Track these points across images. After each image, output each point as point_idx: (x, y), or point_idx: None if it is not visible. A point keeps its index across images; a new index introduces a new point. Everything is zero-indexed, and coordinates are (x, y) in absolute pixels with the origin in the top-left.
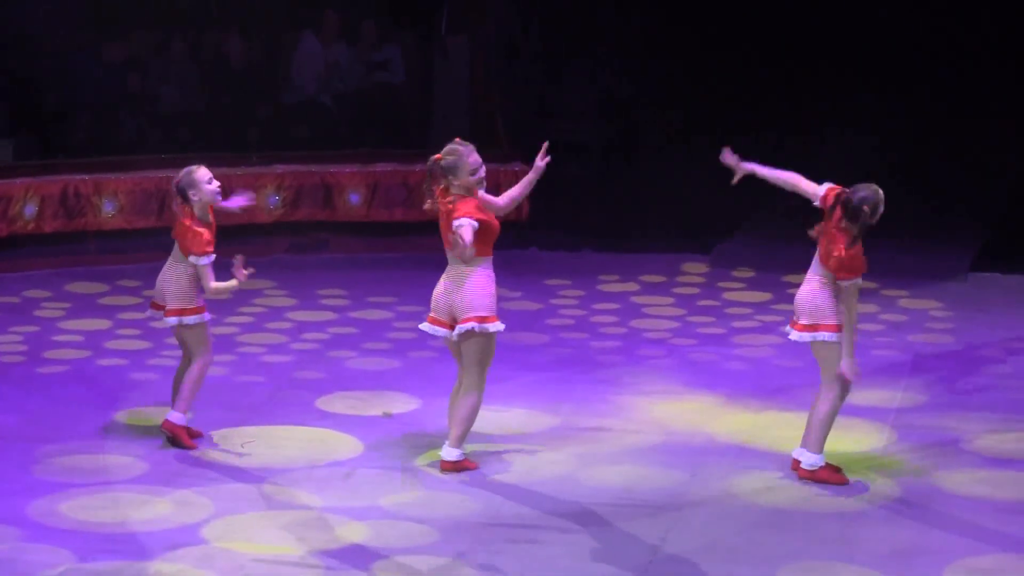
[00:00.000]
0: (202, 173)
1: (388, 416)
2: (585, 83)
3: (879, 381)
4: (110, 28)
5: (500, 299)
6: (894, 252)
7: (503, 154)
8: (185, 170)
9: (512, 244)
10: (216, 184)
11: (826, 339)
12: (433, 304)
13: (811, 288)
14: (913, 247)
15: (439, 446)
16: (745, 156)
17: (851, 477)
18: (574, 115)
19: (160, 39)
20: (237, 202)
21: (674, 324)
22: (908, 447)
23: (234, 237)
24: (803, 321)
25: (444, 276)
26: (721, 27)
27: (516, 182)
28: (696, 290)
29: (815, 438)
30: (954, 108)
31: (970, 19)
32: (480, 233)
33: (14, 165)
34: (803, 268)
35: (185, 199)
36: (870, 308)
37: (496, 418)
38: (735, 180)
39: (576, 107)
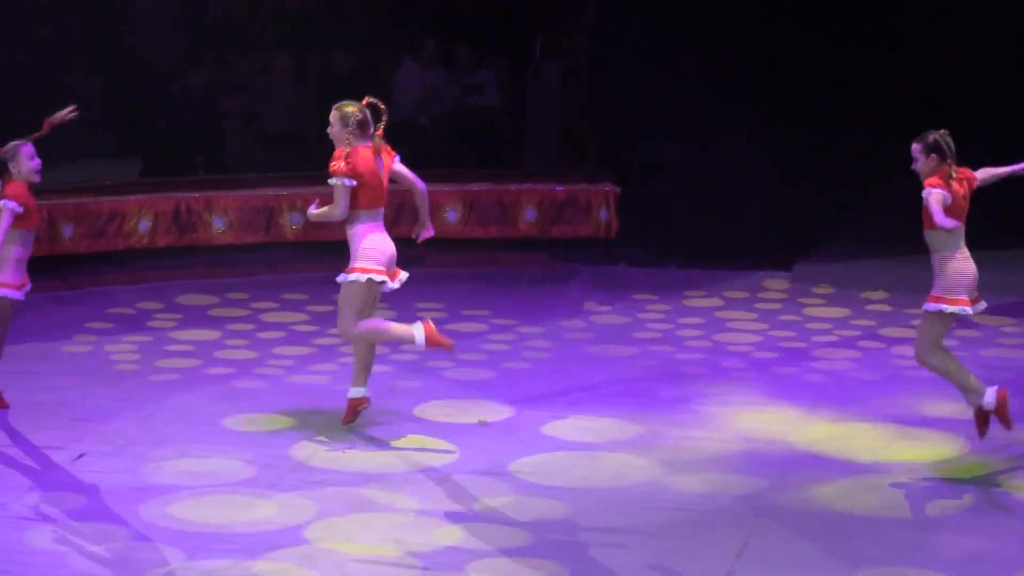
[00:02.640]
0: (27, 149)
1: (483, 424)
2: (671, 106)
3: (953, 393)
4: (217, 51)
5: (590, 313)
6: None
7: (593, 174)
8: (11, 144)
9: (602, 260)
10: (37, 162)
11: None
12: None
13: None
14: (987, 266)
15: (532, 453)
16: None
17: (924, 486)
18: (661, 136)
19: (264, 61)
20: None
21: (756, 338)
22: (981, 457)
23: (335, 253)
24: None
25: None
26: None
27: (605, 202)
28: (777, 305)
29: None
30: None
31: None
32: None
33: (129, 183)
34: (880, 284)
35: (5, 171)
36: None
37: (586, 426)
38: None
39: (662, 129)
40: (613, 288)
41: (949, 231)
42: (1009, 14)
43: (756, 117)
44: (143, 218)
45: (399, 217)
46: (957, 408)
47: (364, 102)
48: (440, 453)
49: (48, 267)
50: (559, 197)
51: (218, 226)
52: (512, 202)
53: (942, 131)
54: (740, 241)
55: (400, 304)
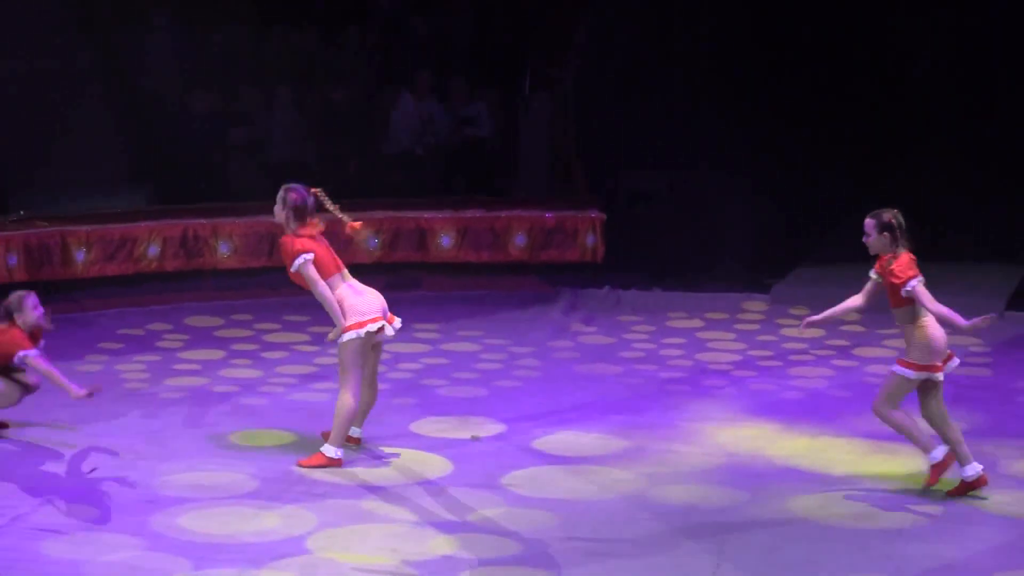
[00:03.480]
0: (31, 299)
1: (476, 439)
2: (655, 137)
3: None
4: (223, 84)
5: (577, 334)
6: (937, 294)
7: (580, 201)
8: (15, 294)
9: (589, 283)
10: (41, 311)
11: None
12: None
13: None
14: (953, 289)
15: (523, 466)
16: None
17: (896, 498)
18: (645, 166)
19: (268, 94)
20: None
21: (736, 357)
22: (950, 471)
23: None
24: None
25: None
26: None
27: (592, 228)
28: (756, 326)
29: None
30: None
31: None
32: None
33: (139, 210)
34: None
35: (10, 319)
36: None
37: (574, 441)
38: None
39: (646, 159)
40: (599, 310)
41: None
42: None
43: (736, 149)
44: (152, 243)
45: (395, 243)
46: (927, 425)
47: (313, 191)
48: (435, 467)
49: (62, 290)
50: (548, 223)
51: (224, 251)
52: (503, 228)
53: (895, 211)
54: (720, 265)
55: None
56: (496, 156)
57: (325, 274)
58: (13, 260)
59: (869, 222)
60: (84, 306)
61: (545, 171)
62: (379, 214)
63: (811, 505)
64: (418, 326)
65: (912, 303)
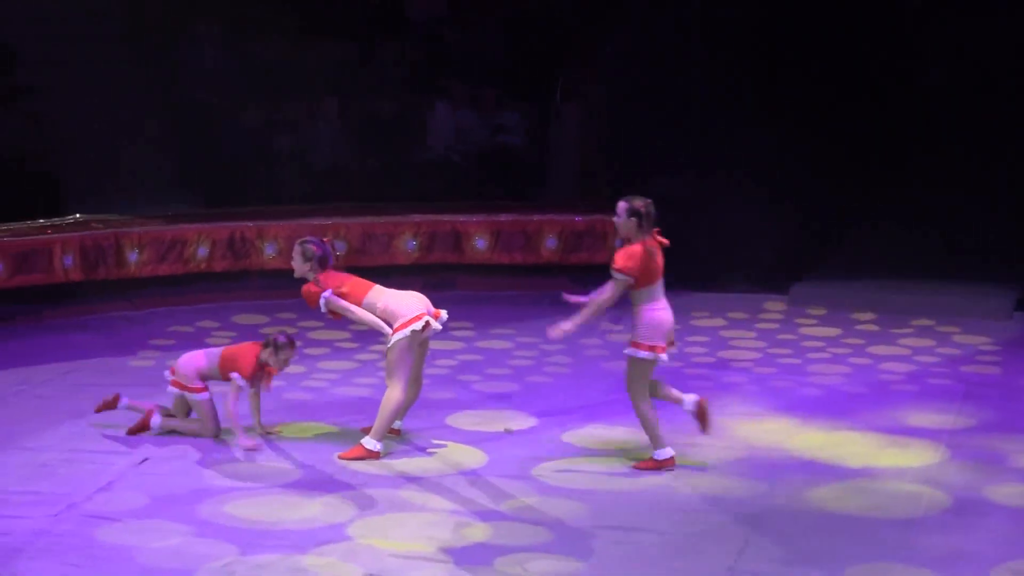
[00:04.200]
0: (290, 354)
1: (508, 432)
2: (679, 144)
3: (935, 406)
4: (269, 94)
5: (607, 331)
6: (949, 295)
7: (608, 205)
8: (290, 340)
9: None
10: (277, 370)
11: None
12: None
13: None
14: (966, 290)
15: (554, 458)
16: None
17: (909, 489)
18: (670, 171)
19: (312, 104)
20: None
21: (756, 355)
22: (960, 463)
23: (376, 277)
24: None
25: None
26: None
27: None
28: (775, 325)
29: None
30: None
31: None
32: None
33: (188, 214)
34: (868, 307)
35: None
36: (927, 342)
37: (602, 434)
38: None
39: (671, 164)
40: (626, 310)
41: (645, 287)
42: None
43: (757, 155)
44: (201, 245)
45: (432, 245)
46: (938, 419)
47: (327, 240)
48: (470, 458)
49: (116, 290)
50: (578, 227)
51: (269, 252)
52: (535, 231)
53: (649, 200)
54: (742, 267)
55: None
56: (528, 163)
57: (360, 296)
58: (69, 261)
59: (621, 204)
60: (137, 304)
61: (575, 177)
62: (416, 217)
63: (828, 496)
64: (453, 324)
65: (643, 287)
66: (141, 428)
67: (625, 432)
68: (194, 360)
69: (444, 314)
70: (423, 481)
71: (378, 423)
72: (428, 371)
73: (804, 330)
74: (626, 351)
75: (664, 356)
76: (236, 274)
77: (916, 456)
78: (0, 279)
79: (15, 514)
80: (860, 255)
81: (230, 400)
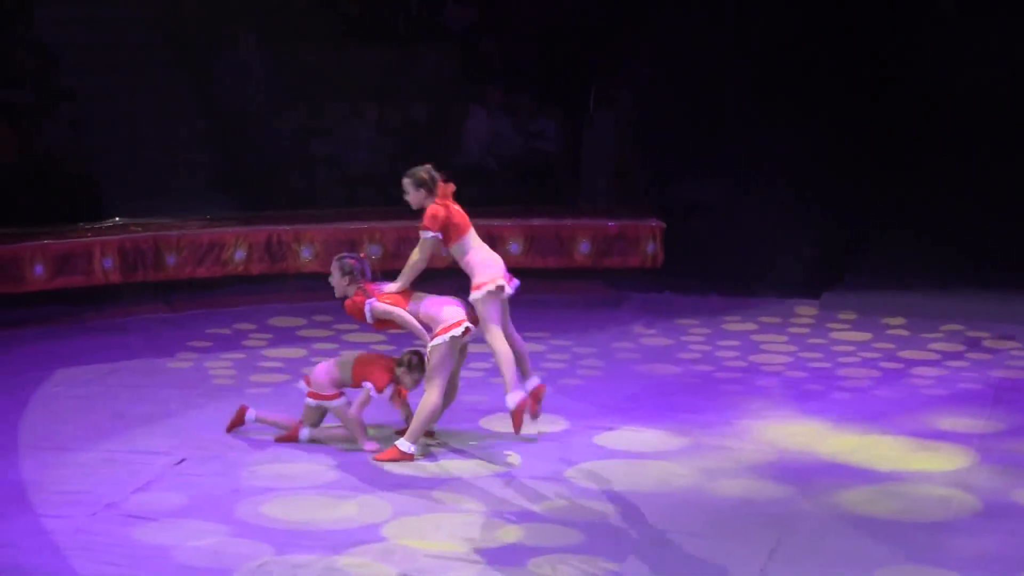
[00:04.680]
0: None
1: (541, 434)
2: (711, 150)
3: (965, 410)
4: (305, 99)
5: (638, 335)
6: (979, 300)
7: (641, 210)
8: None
9: (649, 289)
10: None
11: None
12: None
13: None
14: (996, 296)
15: (586, 460)
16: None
17: (939, 493)
18: (702, 177)
19: (349, 109)
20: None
21: (787, 359)
22: (990, 467)
23: (416, 282)
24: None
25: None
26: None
27: (652, 236)
28: (807, 330)
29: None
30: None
31: None
32: None
33: (227, 217)
34: (898, 312)
35: (400, 367)
36: (958, 347)
37: (634, 437)
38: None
39: (703, 170)
40: (659, 313)
41: (457, 241)
42: None
43: (789, 160)
44: (239, 248)
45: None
46: (968, 423)
47: (362, 254)
48: (503, 460)
49: (154, 292)
50: (611, 232)
51: (306, 255)
52: (568, 236)
53: (427, 165)
54: (773, 272)
55: None
56: (561, 168)
57: (403, 303)
58: (108, 263)
59: (405, 180)
60: (175, 307)
61: (608, 183)
62: None
63: (858, 499)
64: None
65: (456, 241)
66: (289, 440)
67: (657, 435)
68: (327, 370)
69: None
70: (457, 482)
71: (414, 426)
72: (463, 374)
73: (835, 335)
74: (471, 297)
75: (509, 288)
76: (273, 277)
77: (946, 460)
78: (41, 281)
79: (54, 513)
80: (891, 260)
81: (355, 407)
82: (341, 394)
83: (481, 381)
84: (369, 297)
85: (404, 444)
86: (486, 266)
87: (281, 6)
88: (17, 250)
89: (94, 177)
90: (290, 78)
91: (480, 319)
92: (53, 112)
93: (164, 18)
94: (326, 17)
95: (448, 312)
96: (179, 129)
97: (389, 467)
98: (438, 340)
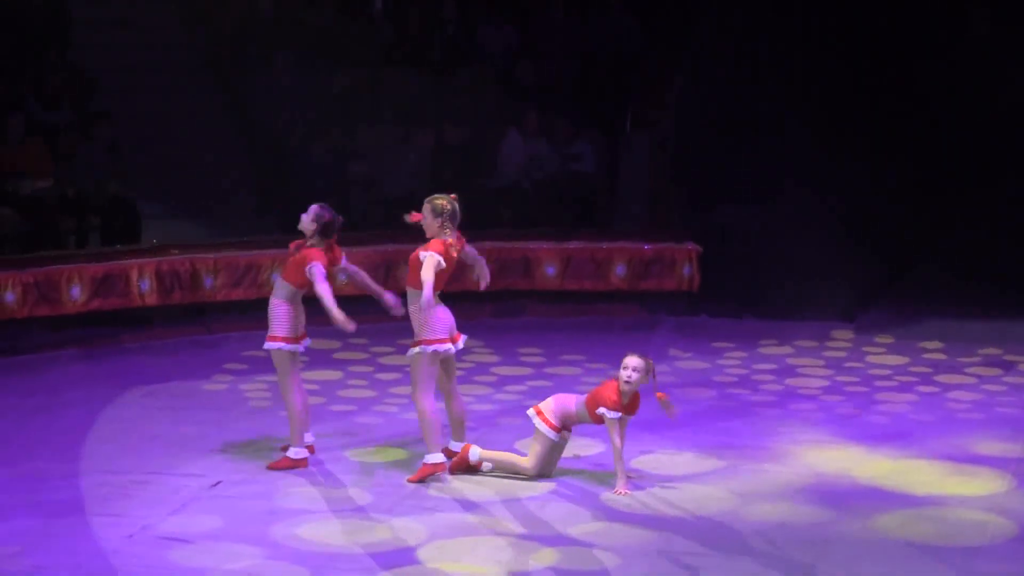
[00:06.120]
0: None
1: (577, 457)
2: (748, 174)
3: (1002, 434)
4: (342, 123)
5: (675, 359)
6: (1016, 324)
7: (678, 234)
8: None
9: (685, 312)
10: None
11: None
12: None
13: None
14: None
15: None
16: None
17: (975, 518)
18: (739, 201)
19: (385, 132)
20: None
21: (824, 383)
22: None
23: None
24: None
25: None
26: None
27: (688, 259)
28: (843, 353)
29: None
30: None
31: None
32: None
33: (263, 239)
34: (935, 336)
35: None
36: (994, 371)
37: (670, 460)
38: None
39: (740, 194)
40: (695, 337)
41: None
42: None
43: (826, 183)
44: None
45: (502, 271)
46: (1005, 447)
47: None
48: (538, 484)
49: (191, 314)
50: (647, 255)
51: (342, 278)
52: (605, 259)
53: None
54: (809, 295)
55: (503, 349)
56: (598, 191)
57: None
58: (145, 285)
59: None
60: (211, 329)
61: (644, 206)
62: (487, 244)
63: (893, 523)
64: (523, 350)
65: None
66: (461, 463)
67: (694, 458)
68: (567, 401)
69: (462, 340)
70: (492, 506)
71: (425, 437)
72: (497, 396)
73: (871, 358)
74: (408, 352)
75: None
76: (309, 299)
77: (982, 484)
78: (78, 303)
79: (91, 535)
80: (928, 284)
81: (615, 436)
82: (559, 429)
83: (516, 404)
84: (431, 251)
85: (428, 457)
86: (440, 322)
87: (319, 30)
88: (55, 272)
89: (131, 200)
90: (327, 101)
91: (413, 377)
92: (92, 134)
93: (202, 42)
94: (364, 41)
95: (438, 323)
96: (216, 152)
97: (424, 490)
98: (417, 350)
